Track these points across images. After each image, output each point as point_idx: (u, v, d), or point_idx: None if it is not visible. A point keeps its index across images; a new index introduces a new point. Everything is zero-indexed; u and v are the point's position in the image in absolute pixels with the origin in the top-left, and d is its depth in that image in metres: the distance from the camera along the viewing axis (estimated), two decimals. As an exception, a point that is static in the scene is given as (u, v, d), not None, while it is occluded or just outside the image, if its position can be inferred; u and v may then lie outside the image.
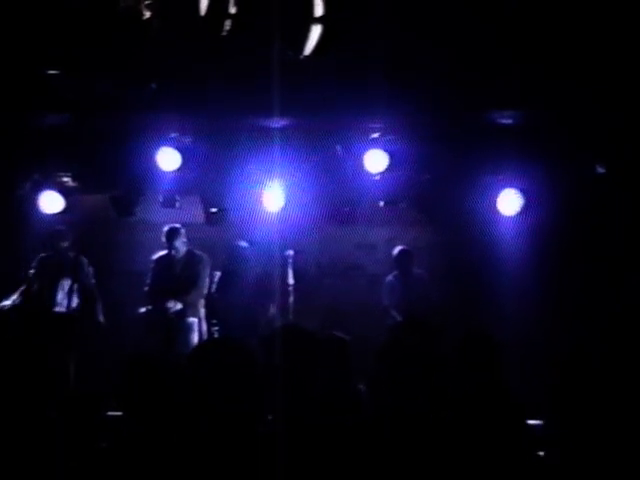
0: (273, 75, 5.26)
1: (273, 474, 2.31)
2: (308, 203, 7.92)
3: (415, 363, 2.97)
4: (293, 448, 2.43)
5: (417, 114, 7.10)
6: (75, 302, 7.55)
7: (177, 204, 7.99)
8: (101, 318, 7.62)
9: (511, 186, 7.70)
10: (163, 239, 7.68)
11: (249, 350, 2.50)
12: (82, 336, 7.47)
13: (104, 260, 8.20)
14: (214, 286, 7.86)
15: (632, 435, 3.17)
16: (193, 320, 7.55)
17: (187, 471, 2.33)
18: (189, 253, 7.77)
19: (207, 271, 7.78)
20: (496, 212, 7.82)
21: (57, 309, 7.48)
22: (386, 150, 7.48)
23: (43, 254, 7.66)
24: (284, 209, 7.82)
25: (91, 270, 7.72)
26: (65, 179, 7.87)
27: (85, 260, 7.71)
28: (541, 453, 3.39)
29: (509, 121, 7.34)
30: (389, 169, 7.52)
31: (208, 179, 7.78)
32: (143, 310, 7.53)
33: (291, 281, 7.70)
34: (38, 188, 7.85)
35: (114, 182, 7.84)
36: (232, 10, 4.35)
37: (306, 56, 4.54)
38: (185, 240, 7.74)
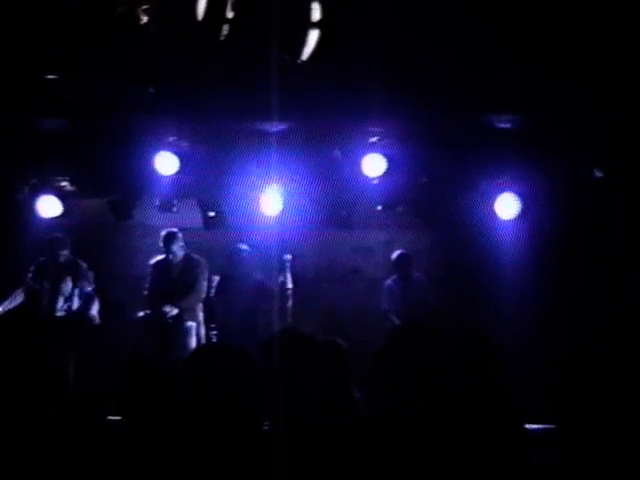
0: (271, 79, 5.26)
1: (272, 476, 2.31)
2: (306, 207, 7.93)
3: (413, 366, 2.98)
4: (292, 450, 2.43)
5: (415, 118, 7.11)
6: (75, 306, 7.56)
7: (175, 208, 7.99)
8: (97, 320, 7.62)
9: (509, 190, 7.70)
10: (160, 243, 7.68)
11: (247, 354, 2.50)
12: (82, 339, 7.48)
13: (102, 264, 8.20)
14: (213, 290, 7.86)
15: (632, 436, 3.17)
16: (191, 324, 7.55)
17: (186, 472, 2.33)
18: (187, 257, 7.78)
19: (205, 275, 7.78)
20: (494, 216, 7.82)
21: (58, 313, 7.50)
22: (384, 154, 7.49)
23: (42, 258, 7.66)
24: (282, 213, 7.82)
25: (91, 274, 7.73)
26: (63, 183, 7.87)
27: (84, 264, 7.71)
28: (539, 455, 3.39)
29: (507, 125, 7.35)
30: (387, 173, 7.53)
31: (206, 183, 7.78)
32: (141, 314, 7.53)
33: (289, 285, 7.69)
34: (36, 192, 7.85)
35: (112, 186, 7.84)
36: (229, 14, 4.35)
37: (304, 61, 4.53)
38: (182, 244, 7.74)
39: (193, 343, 7.49)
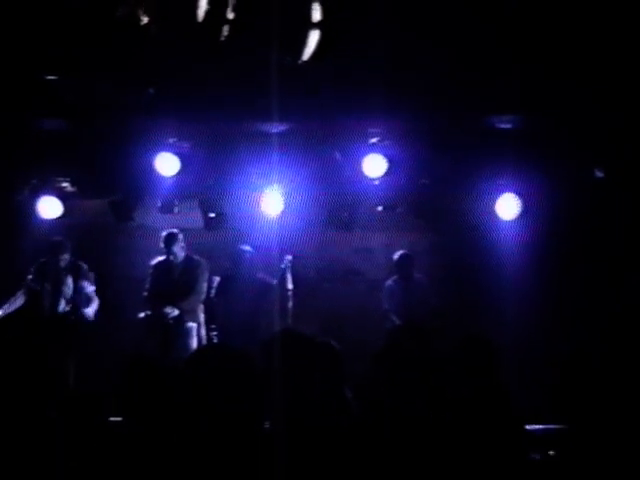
0: (272, 80, 5.26)
1: (272, 476, 2.31)
2: (307, 208, 7.93)
3: (413, 367, 2.98)
4: (292, 450, 2.43)
5: (415, 119, 7.11)
6: (75, 306, 7.56)
7: (176, 209, 8.00)
8: (91, 319, 7.62)
9: (509, 191, 7.71)
10: (161, 244, 7.67)
11: (247, 355, 2.50)
12: (81, 339, 7.48)
13: (103, 265, 8.20)
14: (213, 291, 7.86)
15: (633, 436, 3.17)
16: (192, 325, 7.55)
17: (186, 472, 2.33)
18: (187, 258, 7.77)
19: (205, 276, 7.77)
20: (495, 217, 7.83)
21: (59, 314, 7.51)
22: (385, 155, 7.49)
23: (43, 259, 7.66)
24: (283, 214, 7.83)
25: (92, 275, 7.73)
26: (64, 184, 7.88)
27: (85, 266, 7.71)
28: (537, 456, 3.39)
29: (507, 126, 7.35)
30: (388, 174, 7.53)
31: (207, 184, 7.78)
32: (142, 315, 7.53)
33: (290, 286, 7.69)
34: (37, 193, 7.85)
35: (113, 187, 7.85)
36: (230, 15, 4.35)
37: (304, 61, 4.53)
38: (183, 245, 7.73)
39: (194, 344, 7.48)
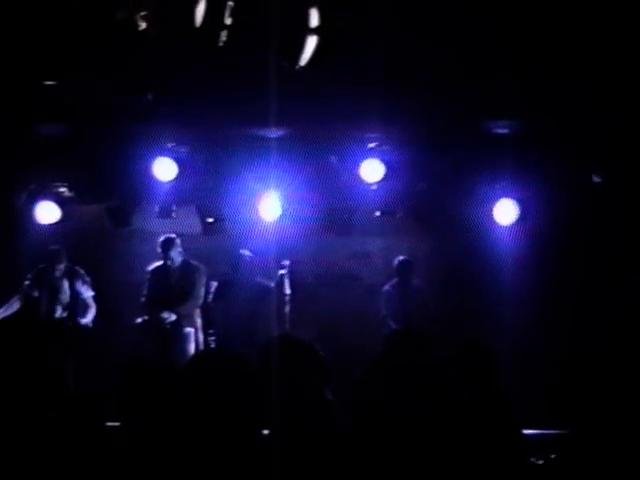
0: (269, 85, 5.26)
1: (271, 477, 2.31)
2: (305, 213, 7.93)
3: (411, 372, 2.97)
4: (289, 453, 2.43)
5: (413, 124, 7.12)
6: (72, 313, 7.55)
7: (173, 214, 7.99)
8: (90, 324, 7.62)
9: (507, 195, 7.71)
10: (158, 249, 7.67)
11: (245, 360, 2.50)
12: (79, 345, 7.47)
13: (100, 270, 8.19)
14: (211, 296, 7.85)
15: (633, 438, 3.17)
16: (189, 330, 7.54)
17: (185, 472, 2.32)
18: (185, 263, 7.76)
19: (203, 281, 7.76)
20: (493, 221, 7.83)
21: (56, 320, 7.50)
22: (382, 160, 7.50)
23: (41, 265, 7.64)
24: (280, 219, 7.82)
25: (89, 280, 7.73)
26: (62, 189, 7.87)
27: (82, 271, 7.70)
28: (540, 461, 3.39)
29: (505, 131, 7.36)
30: (385, 179, 7.54)
31: (204, 189, 7.78)
32: (139, 320, 7.52)
33: (287, 291, 7.69)
34: (35, 198, 7.84)
35: (110, 192, 7.85)
36: (228, 20, 4.35)
37: (302, 67, 4.54)
38: (181, 250, 7.73)
39: (191, 349, 7.48)
